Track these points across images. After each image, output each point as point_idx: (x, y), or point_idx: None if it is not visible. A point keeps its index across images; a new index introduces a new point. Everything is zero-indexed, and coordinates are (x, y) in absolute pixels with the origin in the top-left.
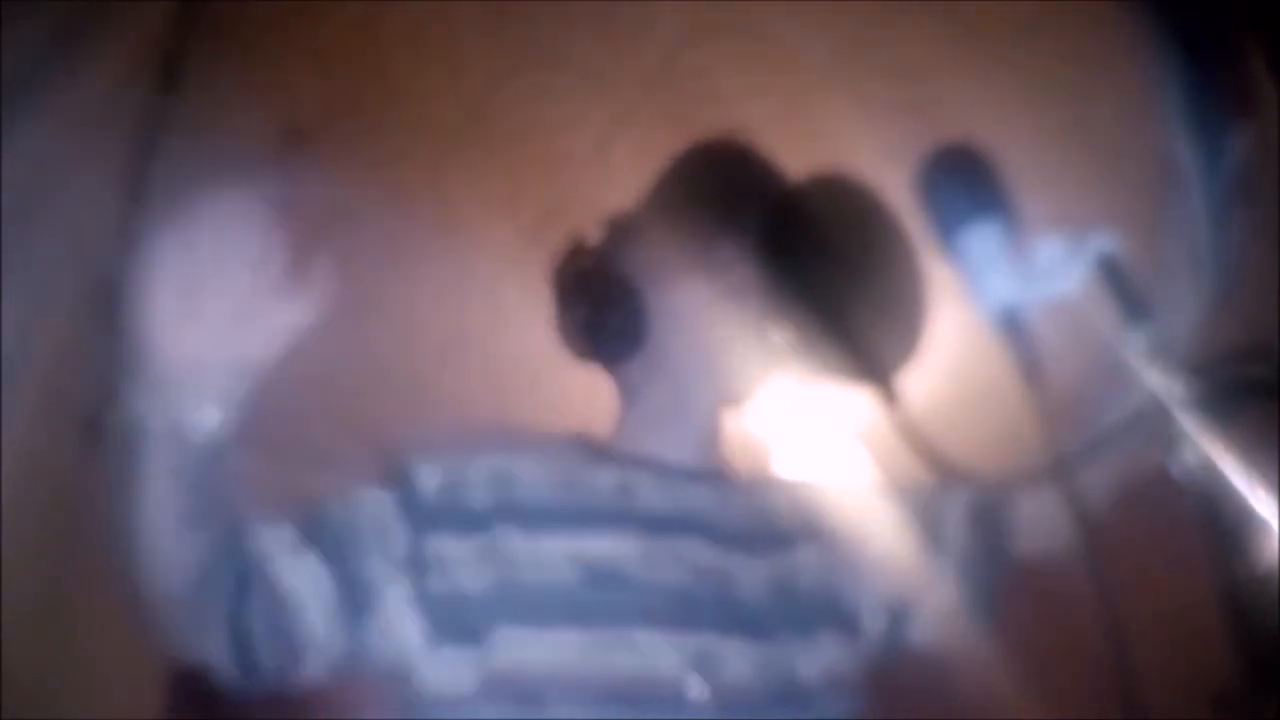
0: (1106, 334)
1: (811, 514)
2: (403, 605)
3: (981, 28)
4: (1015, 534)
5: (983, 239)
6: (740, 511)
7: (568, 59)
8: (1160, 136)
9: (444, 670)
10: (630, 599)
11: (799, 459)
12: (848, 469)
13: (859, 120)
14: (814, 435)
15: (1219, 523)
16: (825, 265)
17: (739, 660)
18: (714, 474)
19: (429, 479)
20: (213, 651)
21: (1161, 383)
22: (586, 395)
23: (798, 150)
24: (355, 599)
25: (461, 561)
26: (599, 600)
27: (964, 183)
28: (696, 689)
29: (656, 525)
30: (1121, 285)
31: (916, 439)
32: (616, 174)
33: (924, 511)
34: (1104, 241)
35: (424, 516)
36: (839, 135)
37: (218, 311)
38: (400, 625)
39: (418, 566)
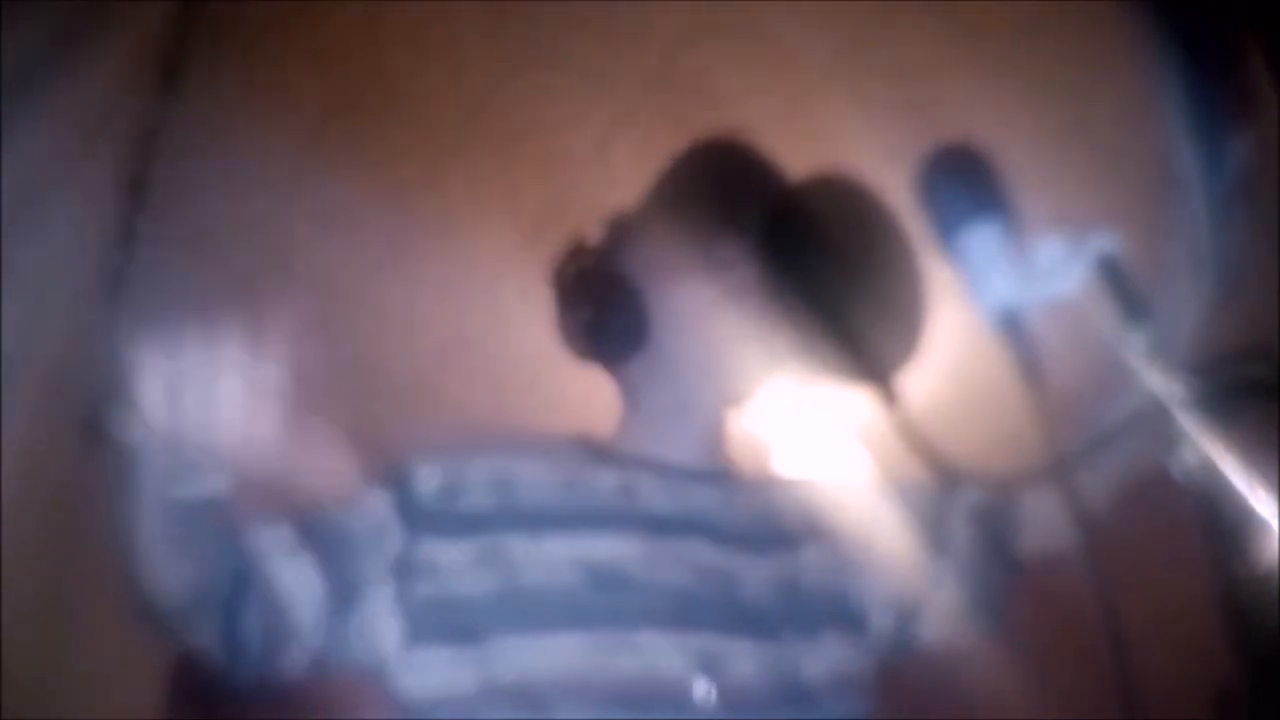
0: (1106, 334)
1: (815, 513)
2: (384, 607)
3: (981, 28)
4: (1019, 534)
5: (983, 239)
6: (743, 511)
7: (568, 59)
8: (1160, 136)
9: (437, 672)
10: (633, 600)
11: (800, 458)
12: (849, 468)
13: (859, 120)
14: (815, 435)
15: (1219, 523)
16: (825, 265)
17: (744, 661)
18: (717, 474)
19: (428, 480)
20: (204, 640)
21: (1161, 383)
22: (586, 396)
23: (798, 150)
24: (342, 598)
25: (459, 564)
26: (602, 602)
27: (964, 183)
28: (701, 690)
29: (659, 526)
30: (1121, 285)
31: (916, 439)
32: (616, 174)
33: (928, 512)
34: (1104, 241)
35: (422, 518)
36: (839, 135)
37: (199, 402)
38: (379, 626)
39: (407, 569)
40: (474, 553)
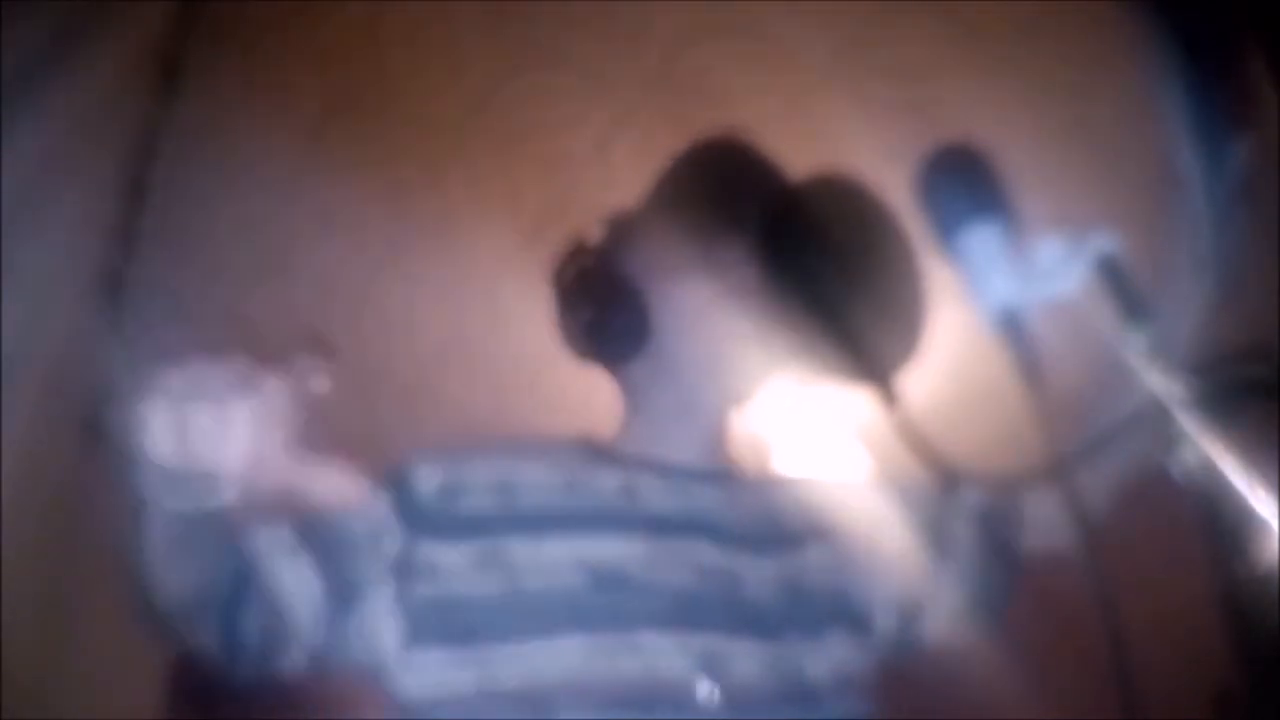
0: (1106, 334)
1: (817, 513)
2: (384, 607)
3: (981, 28)
4: (1022, 534)
5: (983, 239)
6: (746, 511)
7: (568, 59)
8: (1160, 137)
9: (437, 673)
10: (635, 601)
11: (802, 458)
12: (850, 468)
13: (859, 120)
14: (815, 435)
15: (1219, 523)
16: (825, 265)
17: (747, 661)
18: (718, 474)
19: (428, 481)
20: (204, 640)
21: (1161, 383)
22: (587, 396)
23: (798, 150)
24: (342, 599)
25: (459, 564)
26: (603, 603)
27: (964, 183)
28: (704, 691)
29: (660, 526)
30: (1121, 285)
31: (916, 439)
32: (616, 174)
33: (928, 512)
34: (1104, 241)
35: (421, 519)
36: (839, 135)
37: (204, 435)
38: (378, 627)
39: (406, 570)
40: (474, 554)
